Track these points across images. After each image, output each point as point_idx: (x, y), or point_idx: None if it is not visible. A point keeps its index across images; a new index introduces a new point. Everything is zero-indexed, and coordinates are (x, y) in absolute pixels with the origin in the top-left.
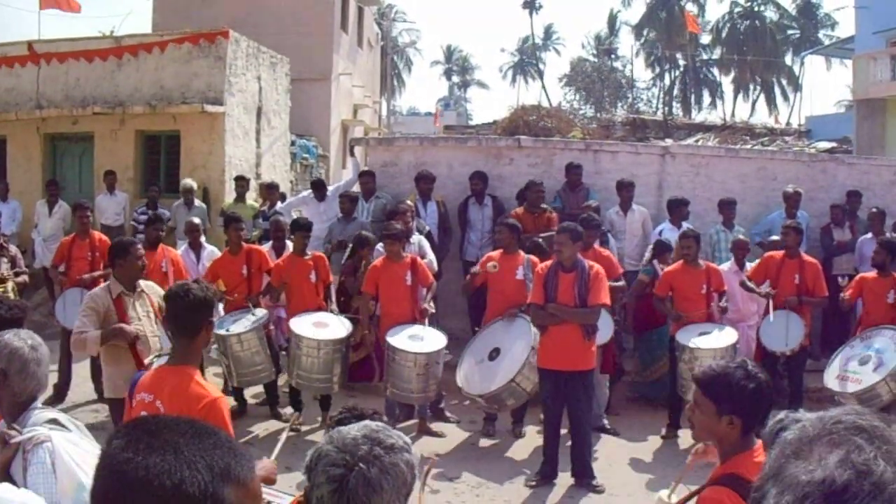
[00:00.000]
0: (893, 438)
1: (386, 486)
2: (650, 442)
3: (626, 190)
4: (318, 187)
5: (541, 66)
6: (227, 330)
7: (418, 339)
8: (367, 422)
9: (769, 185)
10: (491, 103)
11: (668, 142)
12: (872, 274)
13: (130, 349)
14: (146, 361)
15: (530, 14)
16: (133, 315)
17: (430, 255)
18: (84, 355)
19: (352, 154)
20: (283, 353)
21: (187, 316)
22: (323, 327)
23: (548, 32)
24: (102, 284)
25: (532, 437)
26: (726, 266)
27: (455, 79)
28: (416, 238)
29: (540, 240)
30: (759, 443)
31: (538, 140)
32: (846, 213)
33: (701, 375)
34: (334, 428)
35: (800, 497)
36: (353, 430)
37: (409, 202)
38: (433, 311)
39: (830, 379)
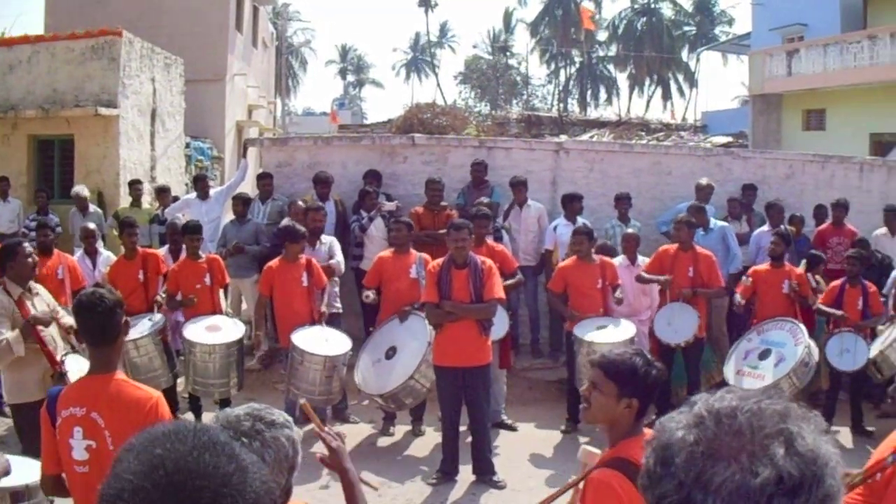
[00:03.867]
0: (804, 413)
1: (268, 458)
2: (550, 437)
3: (519, 187)
4: (199, 180)
5: (436, 63)
6: None
7: (323, 341)
8: (251, 403)
9: (664, 180)
10: (386, 102)
11: (563, 138)
12: (765, 266)
13: (42, 349)
14: (58, 358)
15: (426, 12)
16: (35, 313)
17: (339, 256)
18: None
19: (244, 155)
20: (181, 358)
21: (107, 323)
22: (216, 331)
23: (443, 30)
24: None
25: (431, 435)
26: (618, 260)
27: (350, 78)
28: (328, 239)
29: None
30: (646, 430)
31: (432, 138)
32: (742, 206)
33: (602, 359)
34: None
35: (761, 501)
36: (238, 409)
37: (302, 202)
38: (335, 310)
39: (730, 374)
